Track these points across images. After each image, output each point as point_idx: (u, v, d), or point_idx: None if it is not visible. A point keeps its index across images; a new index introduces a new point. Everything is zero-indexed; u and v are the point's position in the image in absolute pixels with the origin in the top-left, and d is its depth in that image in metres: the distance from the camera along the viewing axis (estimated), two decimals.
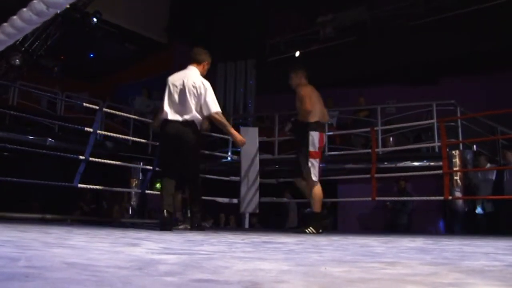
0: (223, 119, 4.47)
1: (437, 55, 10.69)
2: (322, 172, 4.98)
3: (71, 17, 9.34)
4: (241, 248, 2.02)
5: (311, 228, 4.66)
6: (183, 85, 4.37)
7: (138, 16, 13.02)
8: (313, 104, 4.80)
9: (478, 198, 7.24)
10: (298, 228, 5.21)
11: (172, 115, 4.36)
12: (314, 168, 4.76)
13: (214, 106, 4.38)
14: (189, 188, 4.70)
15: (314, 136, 4.78)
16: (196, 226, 4.49)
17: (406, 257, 1.70)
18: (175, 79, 4.46)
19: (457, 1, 10.61)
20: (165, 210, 4.19)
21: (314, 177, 4.76)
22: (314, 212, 4.84)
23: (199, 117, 4.38)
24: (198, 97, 4.34)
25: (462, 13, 10.24)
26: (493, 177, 7.19)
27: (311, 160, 4.77)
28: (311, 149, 4.76)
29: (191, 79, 4.39)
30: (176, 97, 4.37)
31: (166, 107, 4.39)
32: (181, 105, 4.35)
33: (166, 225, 4.16)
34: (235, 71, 14.59)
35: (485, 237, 4.14)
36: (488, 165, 7.25)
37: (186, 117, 4.32)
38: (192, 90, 4.33)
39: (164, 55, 13.42)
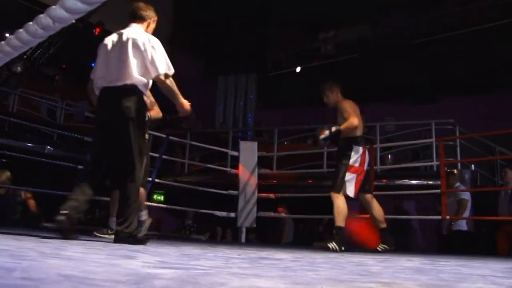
0: (173, 86, 3.31)
1: (437, 73, 10.79)
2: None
3: (74, 26, 9.41)
4: (238, 264, 2.01)
5: (333, 243, 4.50)
6: (122, 41, 3.30)
7: None
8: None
9: (477, 218, 7.20)
10: (323, 242, 4.71)
11: (106, 82, 3.30)
12: (349, 183, 4.66)
13: (164, 66, 3.28)
14: (120, 189, 3.30)
15: (358, 151, 4.74)
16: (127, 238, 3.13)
17: (402, 278, 1.70)
18: (112, 37, 3.43)
19: (458, 21, 10.75)
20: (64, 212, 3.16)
21: (349, 193, 4.65)
22: (337, 226, 4.62)
23: (144, 80, 3.26)
24: (142, 54, 3.24)
25: (463, 33, 10.38)
26: (464, 196, 7.02)
27: (350, 174, 4.68)
28: (351, 163, 4.69)
29: (132, 34, 3.32)
30: (112, 58, 3.31)
31: (99, 72, 3.39)
32: (120, 67, 3.24)
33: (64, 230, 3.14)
34: (236, 84, 14.66)
35: (482, 258, 4.11)
36: (458, 184, 7.12)
37: (127, 81, 3.20)
38: (133, 46, 3.25)
39: None
